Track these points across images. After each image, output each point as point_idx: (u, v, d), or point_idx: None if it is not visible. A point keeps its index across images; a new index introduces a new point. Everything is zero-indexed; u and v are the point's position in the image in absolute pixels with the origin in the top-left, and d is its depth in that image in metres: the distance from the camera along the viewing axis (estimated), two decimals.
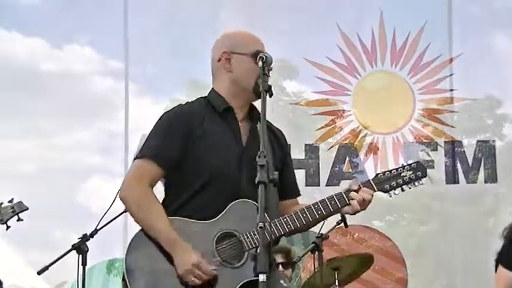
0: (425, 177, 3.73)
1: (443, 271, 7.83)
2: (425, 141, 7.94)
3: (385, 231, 7.74)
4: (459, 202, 7.97)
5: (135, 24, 8.10)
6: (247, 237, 3.45)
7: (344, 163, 7.86)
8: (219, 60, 3.75)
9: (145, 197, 3.58)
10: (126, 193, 3.63)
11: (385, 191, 3.68)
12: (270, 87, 3.42)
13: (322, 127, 7.88)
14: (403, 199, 7.97)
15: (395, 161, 7.72)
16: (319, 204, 3.57)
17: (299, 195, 3.86)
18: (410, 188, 3.72)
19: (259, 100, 3.45)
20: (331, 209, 3.58)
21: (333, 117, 7.96)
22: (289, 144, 3.99)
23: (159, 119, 3.74)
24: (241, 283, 3.38)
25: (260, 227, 2.96)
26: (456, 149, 7.93)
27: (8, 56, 8.41)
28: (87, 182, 8.11)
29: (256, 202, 3.09)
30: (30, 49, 8.43)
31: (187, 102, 3.78)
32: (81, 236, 5.11)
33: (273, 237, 3.42)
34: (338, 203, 3.58)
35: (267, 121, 3.50)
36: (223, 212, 3.49)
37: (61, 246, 5.34)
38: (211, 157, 3.55)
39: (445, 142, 7.92)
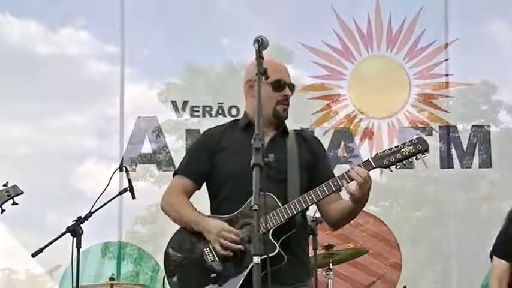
0: (426, 150, 3.80)
1: (438, 256, 7.85)
2: (421, 126, 7.94)
3: (380, 216, 7.76)
4: (454, 187, 7.98)
5: (131, 8, 8.09)
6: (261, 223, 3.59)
7: (339, 147, 7.87)
8: (246, 83, 4.12)
9: (173, 199, 4.15)
10: (162, 203, 4.20)
11: (385, 166, 3.82)
12: (265, 70, 3.51)
13: (318, 111, 7.89)
14: (398, 184, 7.99)
15: (390, 145, 7.59)
16: (323, 186, 3.83)
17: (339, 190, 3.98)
18: (411, 162, 3.87)
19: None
20: (334, 189, 3.82)
21: (329, 102, 7.96)
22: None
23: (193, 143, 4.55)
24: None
25: (254, 209, 3.12)
26: (451, 134, 7.94)
27: (2, 39, 8.38)
28: (82, 166, 8.11)
29: (273, 196, 3.73)
30: (25, 32, 8.40)
31: (217, 126, 4.33)
32: (75, 218, 5.11)
33: (282, 219, 3.78)
34: (339, 183, 3.80)
35: (300, 130, 4.37)
36: (243, 206, 3.86)
37: (55, 229, 5.33)
38: (230, 165, 3.98)
39: (440, 127, 7.93)
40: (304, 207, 3.83)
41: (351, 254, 6.46)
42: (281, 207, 3.80)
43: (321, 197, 3.81)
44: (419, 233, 8.01)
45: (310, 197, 3.81)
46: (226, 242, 3.81)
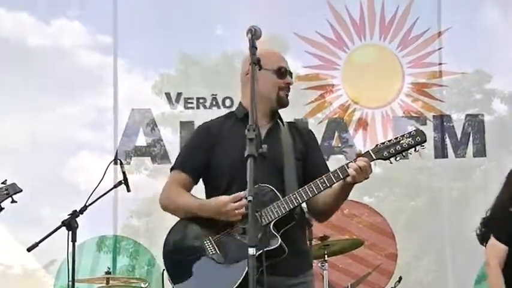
0: (425, 141, 3.90)
1: (433, 245, 7.87)
2: (415, 115, 7.94)
3: (375, 207, 7.77)
4: (448, 177, 8.00)
5: None
6: (261, 215, 3.76)
7: (333, 138, 7.87)
8: (247, 74, 4.05)
9: (171, 190, 4.15)
10: (161, 199, 4.20)
11: (385, 158, 3.90)
12: (258, 60, 3.58)
13: (312, 102, 7.89)
14: (393, 174, 7.98)
15: (384, 135, 7.72)
16: (323, 177, 3.86)
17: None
18: (411, 154, 3.91)
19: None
20: (334, 181, 3.85)
21: (322, 92, 7.96)
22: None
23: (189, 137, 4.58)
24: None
25: (249, 200, 3.17)
26: (445, 123, 7.95)
27: None
28: (75, 158, 8.08)
29: (273, 188, 3.83)
30: (17, 23, 8.35)
31: (213, 119, 4.34)
32: (70, 212, 5.10)
33: (283, 212, 3.83)
34: (340, 174, 3.83)
35: (293, 122, 4.44)
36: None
37: (50, 223, 5.35)
38: (230, 156, 3.96)
39: (433, 116, 7.94)
40: (306, 199, 3.86)
41: (346, 245, 6.46)
42: (281, 199, 3.84)
43: (322, 188, 3.85)
44: (414, 222, 8.02)
45: (310, 189, 3.85)
46: (237, 211, 3.84)
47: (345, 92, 7.96)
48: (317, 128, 7.74)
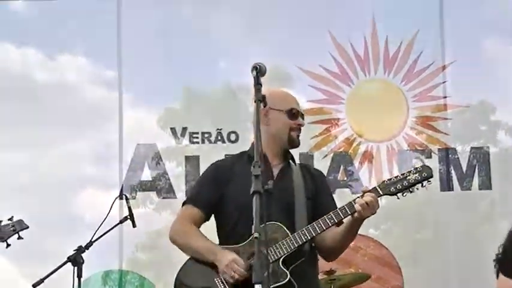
0: (431, 177, 4.00)
1: (439, 278, 7.81)
2: (419, 148, 7.93)
3: (380, 240, 7.75)
4: (454, 209, 7.96)
5: (128, 33, 8.09)
6: (270, 251, 3.85)
7: (339, 171, 7.86)
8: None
9: (183, 228, 4.22)
10: (171, 232, 4.28)
11: (392, 194, 4.01)
12: (264, 97, 3.62)
13: (317, 136, 7.89)
14: (398, 207, 7.92)
15: (389, 168, 7.72)
16: (331, 213, 3.95)
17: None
18: (417, 189, 4.00)
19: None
20: (342, 216, 3.94)
21: (327, 126, 7.96)
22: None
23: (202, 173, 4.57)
24: None
25: (255, 237, 3.18)
26: (450, 155, 7.94)
27: (1, 66, 8.39)
28: (81, 193, 8.08)
29: (282, 225, 3.89)
30: (23, 59, 8.40)
31: (227, 157, 4.68)
32: (76, 247, 5.11)
33: (292, 248, 3.90)
34: (348, 210, 3.92)
35: (306, 164, 4.62)
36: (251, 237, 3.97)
37: (56, 259, 5.33)
38: (239, 196, 3.97)
39: (438, 149, 7.93)
40: (314, 235, 3.93)
41: (352, 279, 6.45)
42: (290, 235, 3.91)
43: (330, 224, 3.90)
44: (420, 255, 7.98)
45: (319, 225, 3.91)
46: (235, 274, 3.88)
47: (349, 126, 7.97)
48: (322, 162, 7.75)
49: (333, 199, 4.38)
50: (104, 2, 8.23)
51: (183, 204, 4.36)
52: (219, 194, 4.21)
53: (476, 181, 7.88)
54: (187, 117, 8.15)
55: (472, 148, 8.02)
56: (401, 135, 7.95)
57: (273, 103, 4.17)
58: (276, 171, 4.18)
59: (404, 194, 3.99)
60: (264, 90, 3.87)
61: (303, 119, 4.33)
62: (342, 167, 7.86)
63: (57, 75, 8.44)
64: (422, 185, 4.00)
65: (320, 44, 7.98)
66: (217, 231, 4.25)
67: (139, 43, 8.14)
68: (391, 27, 8.04)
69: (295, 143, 4.26)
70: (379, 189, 3.93)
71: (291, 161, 4.32)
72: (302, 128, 4.33)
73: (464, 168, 7.90)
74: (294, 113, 4.26)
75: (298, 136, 4.29)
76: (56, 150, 8.12)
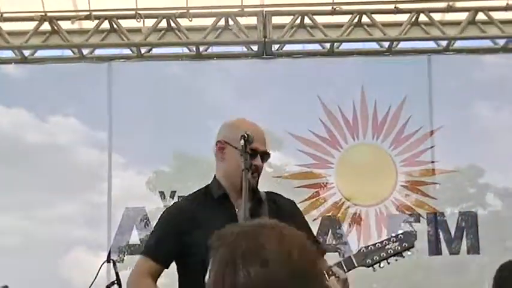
0: (412, 247, 3.71)
1: None
2: (408, 212, 7.95)
3: None
4: (442, 273, 7.94)
5: (119, 95, 8.15)
6: None
7: (327, 235, 7.86)
8: (219, 149, 3.98)
9: (138, 283, 4.01)
10: (127, 286, 4.18)
11: (368, 266, 3.73)
12: (251, 165, 3.58)
13: (306, 199, 7.89)
14: (387, 270, 7.92)
15: (378, 232, 7.72)
16: None
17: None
18: (396, 260, 3.71)
19: None
20: None
21: (317, 190, 7.96)
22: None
23: (158, 219, 4.12)
24: None
25: None
26: (439, 219, 7.94)
27: None
28: (70, 255, 8.03)
29: None
30: (14, 121, 8.42)
31: (185, 197, 4.20)
32: None
33: None
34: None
35: (274, 193, 4.02)
36: None
37: None
38: (204, 244, 3.66)
39: (427, 213, 7.94)
40: None
41: None
42: None
43: None
44: None
45: None
46: None
47: (338, 190, 7.99)
48: (312, 225, 7.69)
49: (308, 225, 4.04)
50: (94, 65, 8.28)
51: (141, 254, 4.11)
52: (180, 244, 3.90)
53: (464, 244, 7.87)
54: (177, 180, 8.16)
55: (460, 212, 8.04)
56: (389, 199, 7.97)
57: (229, 137, 3.87)
58: (247, 213, 3.63)
59: (381, 266, 3.72)
60: (223, 121, 3.77)
61: (263, 159, 3.79)
62: (330, 231, 7.85)
63: (47, 136, 8.44)
64: (402, 256, 3.72)
65: (309, 109, 8.04)
66: (179, 278, 4.01)
67: (129, 105, 8.17)
68: (380, 93, 8.10)
69: (249, 185, 3.63)
70: (354, 261, 3.69)
71: (260, 197, 3.89)
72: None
73: (452, 232, 7.90)
74: (252, 153, 3.69)
75: (254, 177, 3.75)
76: (45, 212, 8.10)
